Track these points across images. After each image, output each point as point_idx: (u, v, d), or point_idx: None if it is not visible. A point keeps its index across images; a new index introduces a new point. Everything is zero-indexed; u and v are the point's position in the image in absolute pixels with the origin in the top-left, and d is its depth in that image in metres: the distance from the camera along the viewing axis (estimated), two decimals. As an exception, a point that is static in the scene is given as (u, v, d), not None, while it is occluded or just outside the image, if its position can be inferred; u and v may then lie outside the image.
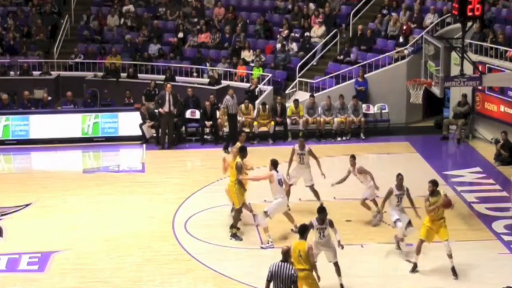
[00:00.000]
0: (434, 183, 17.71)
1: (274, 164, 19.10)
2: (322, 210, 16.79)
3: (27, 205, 21.69)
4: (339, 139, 27.36)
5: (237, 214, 19.52)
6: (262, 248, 18.77)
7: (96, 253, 18.65)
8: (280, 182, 18.99)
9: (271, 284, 13.99)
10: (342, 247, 16.84)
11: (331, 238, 16.81)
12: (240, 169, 19.07)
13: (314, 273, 15.36)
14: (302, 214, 20.61)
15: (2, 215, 21.00)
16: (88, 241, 19.31)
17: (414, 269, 17.69)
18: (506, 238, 19.37)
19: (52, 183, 23.48)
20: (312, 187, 20.79)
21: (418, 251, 17.65)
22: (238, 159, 19.27)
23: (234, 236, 19.29)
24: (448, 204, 17.53)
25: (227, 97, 26.61)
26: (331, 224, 16.76)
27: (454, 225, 20.09)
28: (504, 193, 22.10)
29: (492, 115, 26.73)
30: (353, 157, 20.28)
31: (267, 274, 13.97)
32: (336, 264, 16.87)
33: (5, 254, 18.68)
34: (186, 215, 20.90)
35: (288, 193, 20.18)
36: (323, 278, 17.40)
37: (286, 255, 14.19)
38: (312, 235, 16.51)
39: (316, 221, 16.62)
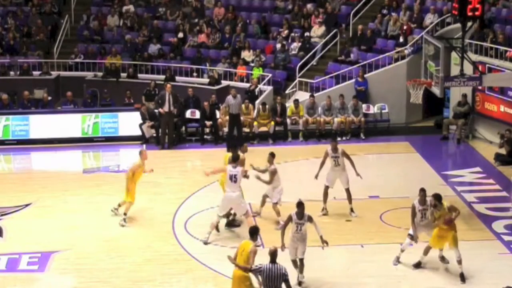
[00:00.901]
0: (437, 198, 17.39)
1: (233, 158, 19.27)
2: (299, 205, 16.93)
3: (27, 205, 21.69)
4: (339, 139, 27.32)
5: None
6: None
7: (96, 253, 18.65)
8: (231, 178, 18.94)
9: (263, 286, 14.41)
10: (327, 244, 16.91)
11: (307, 235, 16.90)
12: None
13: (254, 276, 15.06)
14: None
15: (2, 215, 21.01)
16: (88, 241, 19.31)
17: (418, 266, 17.74)
18: (506, 238, 19.38)
19: (52, 183, 23.48)
20: (348, 190, 20.57)
21: (425, 253, 17.69)
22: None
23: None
24: (449, 221, 17.32)
25: (229, 97, 26.62)
26: (310, 219, 16.84)
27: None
28: (504, 193, 22.10)
29: (492, 115, 26.73)
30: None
31: (258, 267, 14.44)
32: (301, 261, 16.92)
33: (5, 254, 18.68)
34: (186, 215, 20.90)
35: (325, 195, 20.53)
36: (323, 278, 17.45)
37: (273, 256, 14.49)
38: (290, 229, 16.77)
39: (296, 215, 16.78)
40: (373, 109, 28.37)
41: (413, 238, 17.68)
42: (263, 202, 20.33)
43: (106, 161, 26.39)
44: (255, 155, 25.66)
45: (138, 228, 20.15)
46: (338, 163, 20.41)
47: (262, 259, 14.86)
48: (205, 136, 27.34)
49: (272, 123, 27.23)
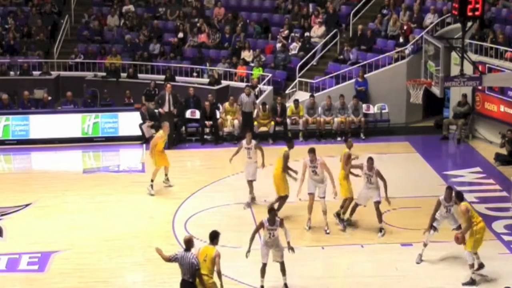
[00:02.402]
0: (457, 196, 17.47)
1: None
2: (271, 210, 16.78)
3: (27, 205, 21.69)
4: (339, 139, 27.34)
5: (281, 202, 20.32)
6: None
7: (96, 253, 18.65)
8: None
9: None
10: (293, 251, 16.73)
11: (280, 239, 16.74)
12: (287, 158, 20.31)
13: (217, 280, 14.99)
14: (301, 214, 20.64)
15: (2, 215, 21.01)
16: (88, 241, 19.31)
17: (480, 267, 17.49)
18: (506, 238, 19.38)
19: (52, 183, 23.48)
20: (377, 204, 19.66)
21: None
22: (286, 149, 20.48)
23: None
24: (456, 239, 17.29)
25: (242, 95, 26.67)
26: (281, 224, 16.67)
27: (454, 225, 20.13)
28: (504, 193, 22.10)
29: (492, 115, 26.73)
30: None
31: (175, 255, 14.85)
32: (282, 264, 16.79)
33: (5, 254, 18.69)
34: (186, 215, 20.90)
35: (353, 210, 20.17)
36: (323, 278, 17.43)
37: (188, 243, 14.75)
38: (262, 234, 16.68)
39: (267, 221, 16.58)
40: (373, 109, 28.37)
41: (435, 228, 17.74)
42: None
43: (106, 161, 26.38)
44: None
45: (138, 228, 20.15)
46: (371, 181, 19.54)
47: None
48: (205, 136, 27.34)
49: (272, 123, 27.22)
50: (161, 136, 22.62)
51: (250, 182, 21.41)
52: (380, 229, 19.62)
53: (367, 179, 19.55)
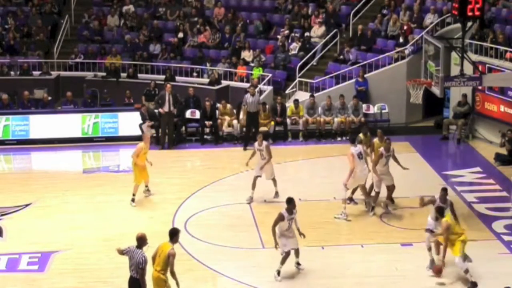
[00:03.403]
0: (438, 210, 17.53)
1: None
2: (290, 201, 17.20)
3: (27, 205, 21.69)
4: (339, 139, 27.35)
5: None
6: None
7: (96, 253, 18.65)
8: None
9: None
10: (304, 236, 17.37)
11: (293, 227, 17.35)
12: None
13: (173, 280, 14.86)
14: (302, 214, 20.65)
15: (2, 215, 21.01)
16: (88, 241, 19.32)
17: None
18: (506, 238, 19.38)
19: (52, 183, 23.48)
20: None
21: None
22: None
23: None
24: (435, 270, 17.39)
25: (247, 95, 26.59)
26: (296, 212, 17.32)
27: (454, 225, 20.13)
28: (504, 193, 22.09)
29: (492, 115, 26.73)
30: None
31: (127, 249, 14.89)
32: (298, 249, 17.42)
33: (5, 254, 18.68)
34: (186, 215, 20.90)
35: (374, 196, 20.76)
36: (323, 278, 17.44)
37: (140, 241, 14.75)
38: (279, 226, 17.01)
39: (287, 212, 17.08)
40: (373, 109, 28.37)
41: (431, 231, 17.70)
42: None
43: (106, 161, 26.38)
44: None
45: (138, 228, 20.05)
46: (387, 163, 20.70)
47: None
48: (205, 136, 27.34)
49: (272, 123, 27.22)
50: (141, 148, 21.61)
51: (273, 181, 21.61)
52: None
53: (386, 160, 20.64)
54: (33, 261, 18.36)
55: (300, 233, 17.34)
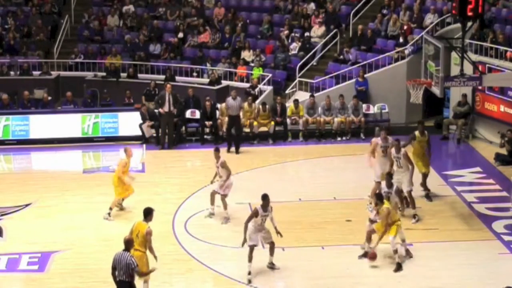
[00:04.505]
0: (378, 197, 17.99)
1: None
2: (265, 198, 17.36)
3: (27, 205, 21.69)
4: (339, 139, 27.35)
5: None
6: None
7: (96, 253, 18.64)
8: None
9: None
10: (281, 235, 17.43)
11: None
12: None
13: (151, 254, 15.74)
14: (301, 214, 20.66)
15: (2, 215, 21.00)
16: (88, 241, 19.32)
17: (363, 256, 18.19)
18: (506, 238, 19.37)
19: (52, 183, 23.48)
20: (410, 193, 20.44)
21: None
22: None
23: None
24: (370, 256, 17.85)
25: (229, 98, 26.51)
26: (271, 210, 17.43)
27: (454, 225, 20.14)
28: (504, 193, 22.08)
29: (492, 115, 26.72)
30: (217, 150, 20.52)
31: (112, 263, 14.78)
32: (273, 244, 17.49)
33: (5, 254, 18.68)
34: (186, 215, 20.90)
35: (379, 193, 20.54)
36: (323, 278, 17.44)
37: (127, 244, 14.88)
38: (252, 221, 17.19)
39: (262, 208, 17.25)
40: (373, 109, 28.37)
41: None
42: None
43: (106, 161, 26.38)
44: (255, 155, 25.76)
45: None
46: (400, 164, 20.48)
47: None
48: (205, 136, 27.33)
49: (272, 123, 27.22)
50: (125, 163, 20.70)
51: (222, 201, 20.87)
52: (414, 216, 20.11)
53: (396, 162, 20.49)
54: (33, 261, 18.36)
55: (277, 232, 17.43)
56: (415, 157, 21.25)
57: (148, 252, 15.76)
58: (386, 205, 17.69)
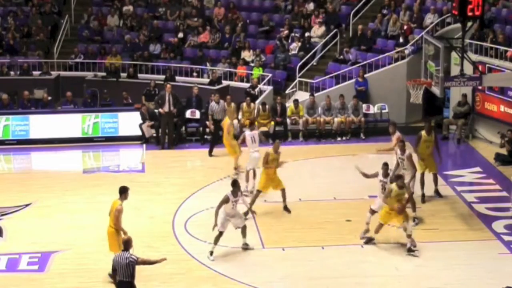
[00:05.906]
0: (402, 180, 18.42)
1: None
2: (235, 184, 18.26)
3: (27, 205, 21.68)
4: (339, 139, 27.36)
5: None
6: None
7: (96, 253, 18.62)
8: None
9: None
10: (255, 213, 19.30)
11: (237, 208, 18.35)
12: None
13: (121, 230, 16.53)
14: (302, 214, 20.65)
15: (2, 215, 21.00)
16: (88, 241, 19.30)
17: (369, 241, 18.79)
18: (506, 238, 19.36)
19: (52, 183, 23.48)
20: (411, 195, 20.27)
21: (376, 231, 18.70)
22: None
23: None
24: (401, 210, 18.21)
25: (212, 103, 26.09)
26: (241, 194, 18.44)
27: (454, 225, 20.14)
28: (504, 193, 22.09)
29: (492, 115, 26.72)
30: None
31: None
32: (244, 227, 18.43)
33: (5, 254, 18.68)
34: (186, 215, 20.90)
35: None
36: (323, 278, 17.43)
37: (126, 244, 15.03)
38: (223, 208, 18.03)
39: (232, 194, 18.00)
40: (373, 109, 28.37)
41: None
42: None
43: (106, 161, 26.38)
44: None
45: (138, 228, 20.10)
46: (404, 166, 20.48)
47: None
48: (205, 136, 27.32)
49: (272, 123, 27.22)
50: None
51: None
52: (414, 219, 20.01)
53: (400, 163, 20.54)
54: (33, 261, 18.36)
55: (252, 211, 19.10)
56: (422, 157, 21.30)
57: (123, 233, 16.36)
58: (394, 187, 18.19)
